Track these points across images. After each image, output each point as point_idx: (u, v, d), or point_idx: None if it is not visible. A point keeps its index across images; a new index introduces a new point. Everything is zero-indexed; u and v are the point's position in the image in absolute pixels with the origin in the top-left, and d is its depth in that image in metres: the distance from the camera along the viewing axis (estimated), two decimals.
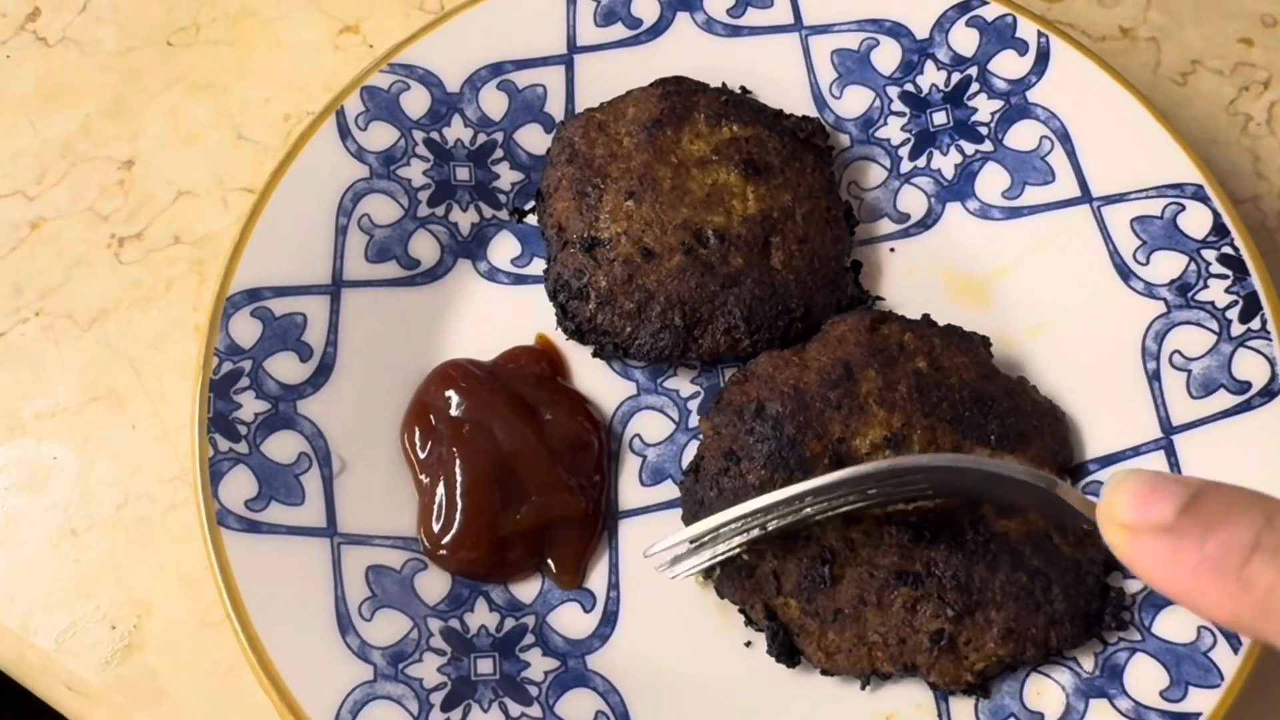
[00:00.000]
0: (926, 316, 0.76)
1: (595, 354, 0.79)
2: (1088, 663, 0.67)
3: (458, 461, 0.74)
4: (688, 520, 0.72)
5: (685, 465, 0.75)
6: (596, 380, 0.79)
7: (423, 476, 0.75)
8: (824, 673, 0.68)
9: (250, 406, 0.73)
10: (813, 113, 0.85)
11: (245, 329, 0.75)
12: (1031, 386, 0.75)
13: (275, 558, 0.69)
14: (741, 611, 0.70)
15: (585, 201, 0.79)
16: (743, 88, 0.86)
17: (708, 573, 0.71)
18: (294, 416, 0.74)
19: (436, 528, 0.73)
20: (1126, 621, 0.67)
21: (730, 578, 0.69)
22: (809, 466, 0.70)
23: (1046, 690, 0.67)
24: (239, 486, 0.70)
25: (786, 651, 0.68)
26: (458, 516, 0.73)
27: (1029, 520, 0.69)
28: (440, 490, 0.73)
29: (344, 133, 0.81)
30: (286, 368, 0.75)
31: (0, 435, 0.81)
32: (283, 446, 0.73)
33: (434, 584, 0.72)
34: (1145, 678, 0.65)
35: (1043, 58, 0.83)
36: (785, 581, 0.68)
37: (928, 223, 0.84)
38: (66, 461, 0.80)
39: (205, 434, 0.71)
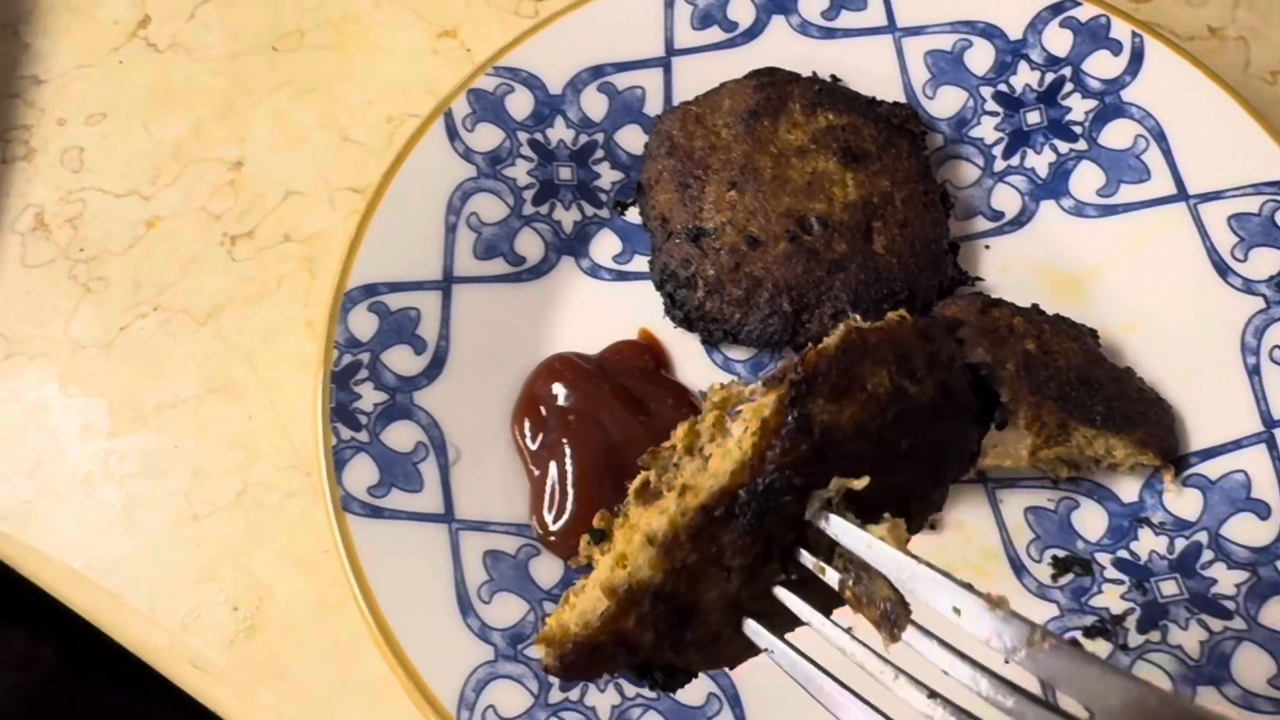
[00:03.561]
0: (1036, 306, 0.77)
1: (704, 341, 0.81)
2: (1194, 651, 0.68)
3: (568, 451, 0.76)
4: None
5: None
6: (699, 373, 0.82)
7: (533, 467, 0.77)
8: None
9: (369, 397, 0.76)
10: None
11: (363, 323, 0.78)
12: (1138, 377, 0.76)
13: (397, 542, 0.72)
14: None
15: (688, 193, 0.82)
16: (833, 76, 0.88)
17: None
18: (411, 407, 0.77)
19: (549, 515, 0.75)
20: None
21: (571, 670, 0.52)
22: None
23: (1154, 678, 0.68)
24: (361, 474, 0.73)
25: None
26: (569, 505, 0.75)
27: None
28: (552, 479, 0.76)
29: (452, 134, 0.84)
30: (403, 360, 0.78)
31: (124, 425, 0.84)
32: (401, 436, 0.75)
33: (547, 569, 0.74)
34: (1252, 666, 0.66)
35: (1137, 58, 0.84)
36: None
37: (1022, 220, 0.85)
38: (187, 450, 0.83)
39: (328, 423, 0.74)
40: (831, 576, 0.47)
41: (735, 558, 0.48)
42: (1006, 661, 0.40)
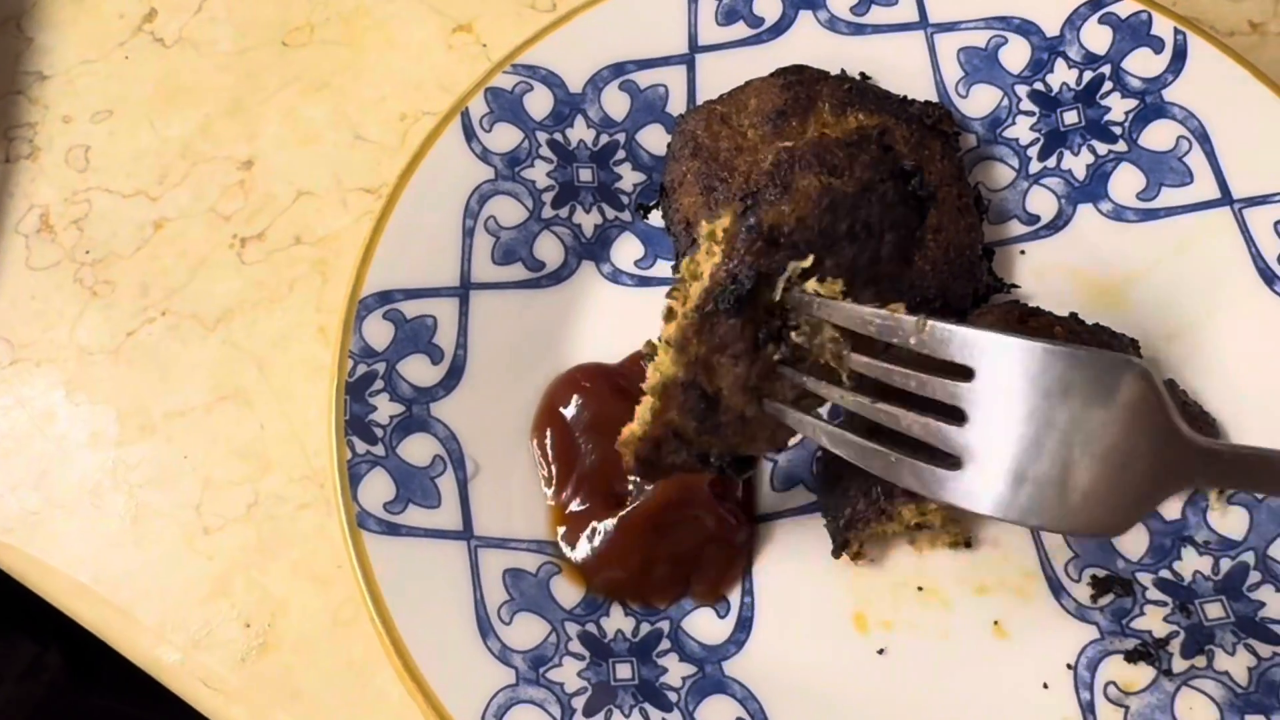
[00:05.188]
0: (1074, 314, 0.75)
1: None
2: (1242, 677, 0.65)
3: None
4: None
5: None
6: None
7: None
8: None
9: (385, 409, 0.73)
10: None
11: (378, 331, 0.75)
12: (1181, 390, 0.73)
13: (415, 561, 0.69)
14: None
15: (713, 196, 0.79)
16: (863, 74, 0.85)
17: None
18: (428, 419, 0.74)
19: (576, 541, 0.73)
20: None
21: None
22: None
23: (1199, 705, 0.65)
24: (377, 489, 0.71)
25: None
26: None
27: None
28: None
29: (469, 134, 0.81)
30: (419, 370, 0.75)
31: (132, 434, 0.82)
32: (418, 449, 0.73)
33: (569, 588, 0.72)
34: None
35: (1179, 56, 0.81)
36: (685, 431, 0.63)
37: (1058, 224, 0.82)
38: (197, 460, 0.81)
39: (343, 436, 0.72)
40: (801, 337, 0.60)
41: (735, 344, 0.60)
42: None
